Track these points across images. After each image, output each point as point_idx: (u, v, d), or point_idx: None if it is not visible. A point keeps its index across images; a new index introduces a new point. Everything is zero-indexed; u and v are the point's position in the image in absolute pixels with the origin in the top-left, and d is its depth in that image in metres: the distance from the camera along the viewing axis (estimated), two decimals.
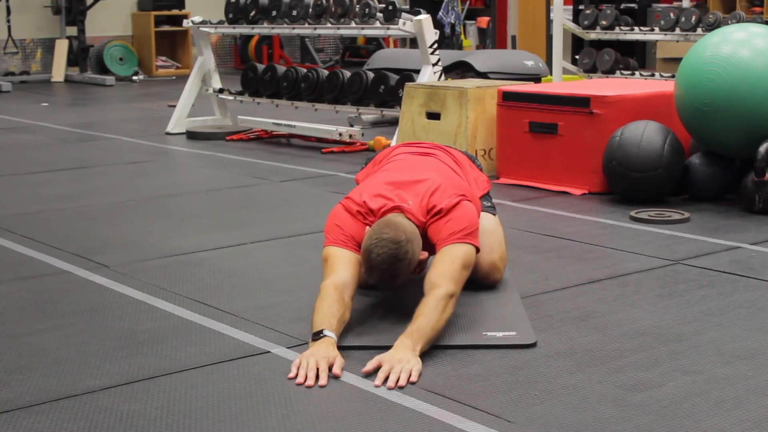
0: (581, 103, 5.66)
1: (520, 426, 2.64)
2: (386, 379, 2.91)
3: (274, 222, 5.09)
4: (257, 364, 3.09)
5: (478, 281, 3.75)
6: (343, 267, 3.34)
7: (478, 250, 3.46)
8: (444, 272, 3.27)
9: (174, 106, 8.73)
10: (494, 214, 3.89)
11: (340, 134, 7.42)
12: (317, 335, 3.11)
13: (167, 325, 3.49)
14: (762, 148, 5.03)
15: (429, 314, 3.14)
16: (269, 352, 3.20)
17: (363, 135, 7.49)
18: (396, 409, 2.75)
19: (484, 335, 3.27)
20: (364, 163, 4.05)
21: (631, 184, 5.31)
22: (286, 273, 4.15)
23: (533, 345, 3.21)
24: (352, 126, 8.22)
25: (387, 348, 3.12)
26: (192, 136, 8.23)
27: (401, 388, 2.87)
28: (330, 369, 2.97)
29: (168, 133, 8.40)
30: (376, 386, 2.89)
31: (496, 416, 2.69)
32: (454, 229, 3.38)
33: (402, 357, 2.98)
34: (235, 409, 2.76)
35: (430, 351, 3.15)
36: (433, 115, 6.35)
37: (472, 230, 3.41)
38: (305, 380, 2.91)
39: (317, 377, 2.93)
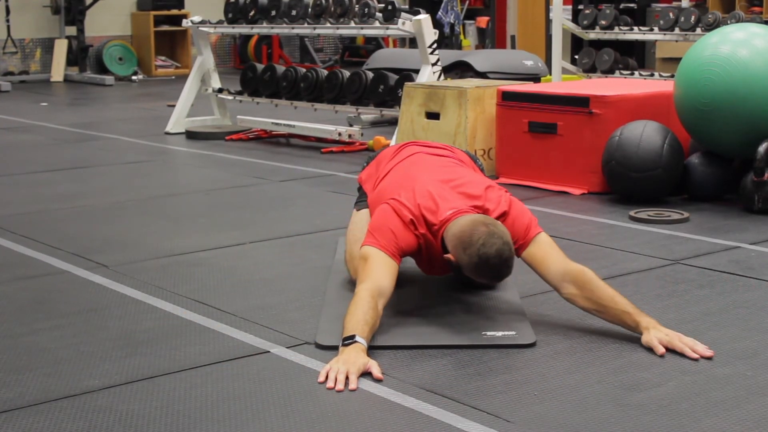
0: (580, 103, 5.66)
1: (519, 425, 2.64)
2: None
3: (274, 222, 5.08)
4: (256, 364, 3.09)
5: (476, 282, 3.75)
6: (384, 275, 3.28)
7: None
8: (563, 258, 3.38)
9: (173, 106, 8.73)
10: None
11: (340, 134, 7.42)
12: (349, 340, 3.06)
13: (166, 325, 3.49)
14: (761, 148, 5.04)
15: (614, 291, 3.29)
16: (268, 352, 3.20)
17: (362, 135, 7.49)
18: (396, 409, 2.75)
19: (483, 335, 3.27)
20: (365, 163, 4.04)
21: (630, 184, 5.31)
22: (285, 273, 4.15)
23: (533, 345, 3.22)
24: (351, 126, 8.22)
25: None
26: (191, 135, 8.23)
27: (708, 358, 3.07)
28: (363, 375, 2.94)
29: (167, 133, 8.40)
30: (694, 359, 3.08)
31: (495, 416, 2.69)
32: (526, 222, 3.43)
33: (668, 332, 3.18)
34: (234, 409, 2.76)
35: (429, 351, 3.16)
36: (433, 115, 6.35)
37: (535, 218, 3.50)
38: (335, 384, 2.88)
39: (347, 382, 2.89)
